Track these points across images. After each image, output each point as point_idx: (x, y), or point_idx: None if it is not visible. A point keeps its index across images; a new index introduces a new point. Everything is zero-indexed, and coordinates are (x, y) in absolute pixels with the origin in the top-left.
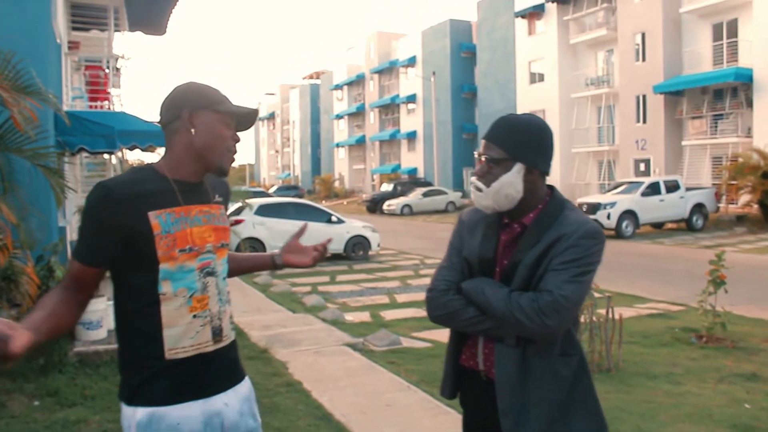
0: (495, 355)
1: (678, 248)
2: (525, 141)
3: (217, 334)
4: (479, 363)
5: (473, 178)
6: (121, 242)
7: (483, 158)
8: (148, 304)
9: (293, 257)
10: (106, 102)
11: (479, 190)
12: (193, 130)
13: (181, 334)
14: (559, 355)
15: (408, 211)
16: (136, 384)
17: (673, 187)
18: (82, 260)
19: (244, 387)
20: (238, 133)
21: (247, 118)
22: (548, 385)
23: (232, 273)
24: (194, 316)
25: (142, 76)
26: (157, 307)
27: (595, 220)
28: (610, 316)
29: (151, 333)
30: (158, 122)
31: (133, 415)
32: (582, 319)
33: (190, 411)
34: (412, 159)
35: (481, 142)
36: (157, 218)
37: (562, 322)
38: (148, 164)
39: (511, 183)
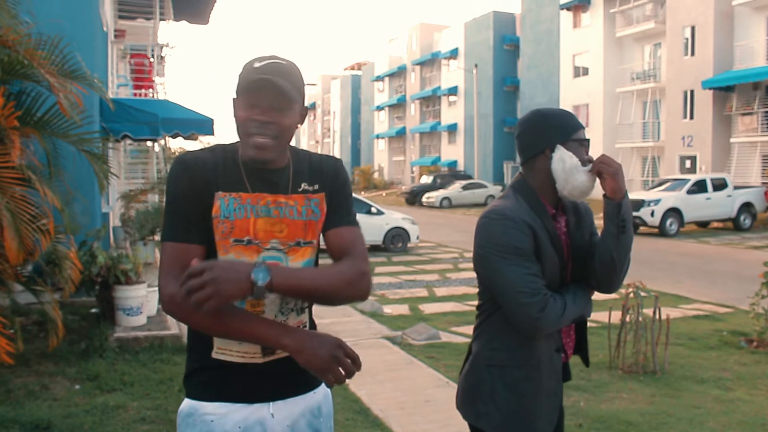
0: None
1: (724, 248)
2: None
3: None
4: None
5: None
6: (201, 219)
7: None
8: None
9: None
10: (151, 90)
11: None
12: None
13: None
14: None
15: (447, 204)
16: (186, 373)
17: (720, 185)
18: (182, 239)
19: (309, 400)
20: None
21: (254, 85)
22: None
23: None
24: None
25: (186, 65)
26: None
27: (638, 217)
28: (657, 316)
29: None
30: None
31: (183, 403)
32: (627, 319)
33: (227, 411)
34: (452, 152)
35: (583, 130)
36: (219, 200)
37: None
38: (229, 143)
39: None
